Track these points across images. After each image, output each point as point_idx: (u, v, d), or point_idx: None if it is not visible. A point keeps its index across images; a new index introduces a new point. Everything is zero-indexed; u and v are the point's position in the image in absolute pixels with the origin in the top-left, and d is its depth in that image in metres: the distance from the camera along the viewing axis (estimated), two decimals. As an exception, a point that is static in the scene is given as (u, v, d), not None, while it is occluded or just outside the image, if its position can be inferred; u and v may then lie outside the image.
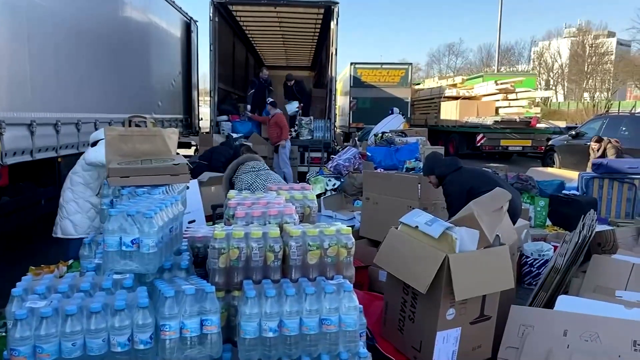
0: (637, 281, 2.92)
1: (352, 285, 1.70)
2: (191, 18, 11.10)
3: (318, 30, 12.43)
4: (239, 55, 13.86)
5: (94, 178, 3.44)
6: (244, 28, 13.05)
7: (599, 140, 9.10)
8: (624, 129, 10.32)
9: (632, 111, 18.80)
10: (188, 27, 10.97)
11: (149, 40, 8.46)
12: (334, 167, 7.55)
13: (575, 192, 6.21)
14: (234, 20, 11.99)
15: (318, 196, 6.45)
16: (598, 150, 8.97)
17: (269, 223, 1.91)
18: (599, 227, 4.05)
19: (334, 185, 6.68)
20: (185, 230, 2.32)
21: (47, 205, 5.44)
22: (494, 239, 2.38)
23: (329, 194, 6.54)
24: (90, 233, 2.70)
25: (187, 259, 1.90)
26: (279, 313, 1.58)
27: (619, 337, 2.35)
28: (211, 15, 9.92)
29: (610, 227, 4.42)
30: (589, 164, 7.95)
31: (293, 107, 10.89)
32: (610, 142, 8.91)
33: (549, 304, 2.93)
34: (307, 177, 7.13)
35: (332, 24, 10.07)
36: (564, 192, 6.07)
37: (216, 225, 1.84)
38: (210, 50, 10.04)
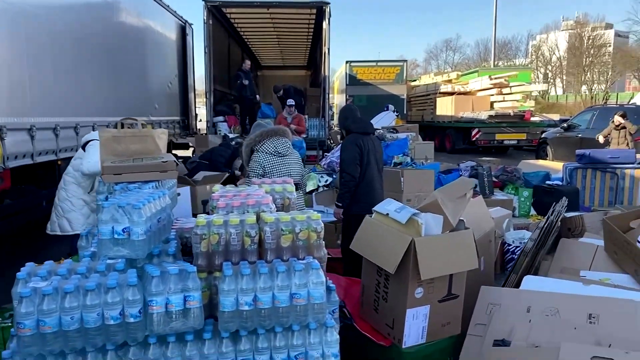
0: (600, 262, 3.12)
1: (319, 264, 1.91)
2: (186, 21, 11.31)
3: (312, 30, 12.62)
4: (235, 57, 14.05)
5: (85, 178, 3.68)
6: (239, 30, 13.25)
7: (624, 116, 9.12)
8: (611, 119, 10.49)
9: (626, 103, 18.97)
10: (183, 30, 11.18)
11: (145, 44, 8.67)
12: (327, 164, 7.77)
13: (558, 182, 6.40)
14: (228, 22, 12.19)
15: (310, 192, 6.66)
16: (620, 126, 9.01)
17: (248, 212, 2.12)
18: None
19: (326, 181, 6.88)
20: (175, 222, 2.53)
21: (48, 207, 5.63)
22: (457, 223, 2.58)
23: (321, 189, 6.75)
24: (87, 228, 2.91)
25: (174, 246, 2.10)
26: (254, 289, 1.78)
27: (576, 311, 2.55)
28: (205, 18, 10.13)
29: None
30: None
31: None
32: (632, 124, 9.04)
33: (519, 285, 3.13)
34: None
35: (324, 24, 10.28)
36: (547, 182, 6.26)
37: (199, 215, 2.04)
38: (205, 52, 10.26)
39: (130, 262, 1.93)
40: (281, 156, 4.03)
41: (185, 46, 11.32)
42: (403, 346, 2.53)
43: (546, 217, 3.30)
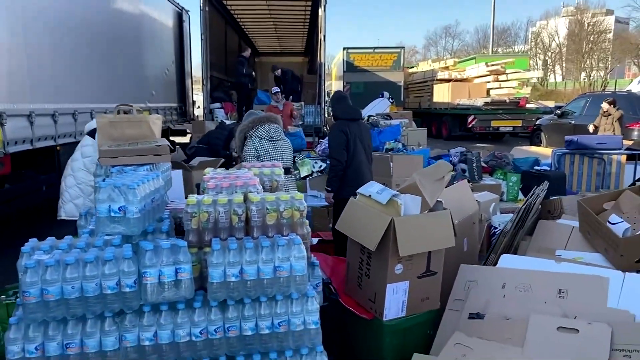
0: (575, 241, 3.28)
1: (301, 240, 2.06)
2: (183, 8, 11.35)
3: (308, 17, 12.67)
4: (231, 44, 14.10)
5: (94, 163, 3.78)
6: (235, 17, 13.29)
7: (613, 103, 9.32)
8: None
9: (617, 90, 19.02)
10: (180, 17, 11.22)
11: (141, 31, 8.75)
12: (322, 151, 7.90)
13: (547, 167, 6.54)
14: (225, 9, 12.23)
15: (304, 178, 6.82)
16: (606, 113, 9.23)
17: (236, 192, 2.26)
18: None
19: (320, 167, 7.03)
20: (169, 203, 2.68)
21: (47, 192, 5.80)
22: (435, 204, 2.73)
23: (315, 175, 6.90)
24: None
25: (167, 225, 2.25)
26: (240, 262, 1.93)
27: (547, 286, 2.71)
28: (202, 5, 10.20)
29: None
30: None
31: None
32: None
33: (498, 263, 3.29)
34: (295, 160, 7.48)
35: (320, 11, 10.34)
36: (535, 168, 6.41)
37: (190, 195, 2.18)
38: (201, 39, 10.33)
39: (126, 238, 2.07)
40: (274, 140, 4.17)
41: (182, 33, 11.38)
42: (384, 319, 2.70)
43: (525, 199, 3.45)
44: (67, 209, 3.80)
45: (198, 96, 13.64)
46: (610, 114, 9.06)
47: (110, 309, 1.83)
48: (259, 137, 4.12)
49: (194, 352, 1.92)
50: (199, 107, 13.43)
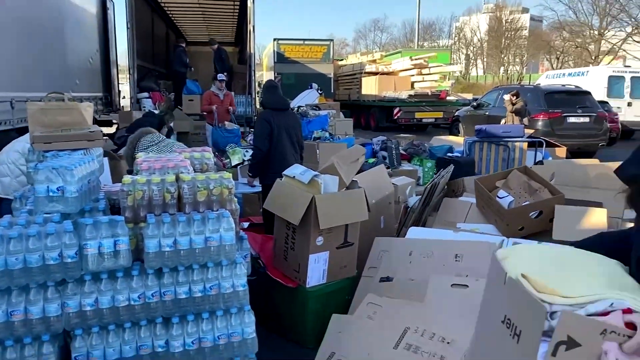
0: (473, 215, 3.77)
1: (229, 214, 2.32)
2: (106, -5, 11.04)
3: (237, 6, 12.70)
4: (159, 32, 13.84)
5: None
6: (163, 5, 13.06)
7: (517, 95, 10.32)
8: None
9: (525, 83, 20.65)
10: (104, 4, 10.91)
11: (63, 17, 8.47)
12: (252, 140, 8.09)
13: (459, 154, 7.17)
14: None
15: (236, 166, 7.01)
16: (512, 104, 10.22)
17: (168, 173, 2.47)
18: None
19: (251, 155, 7.23)
20: (103, 186, 2.83)
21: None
22: (351, 183, 3.09)
23: (246, 163, 7.10)
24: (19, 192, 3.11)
25: (103, 204, 2.42)
26: (174, 234, 2.16)
27: (446, 252, 3.15)
28: (127, -8, 9.98)
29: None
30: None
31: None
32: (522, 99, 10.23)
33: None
34: (226, 148, 7.63)
35: (249, 2, 10.45)
36: (448, 154, 7.00)
37: (125, 175, 2.36)
38: (127, 27, 10.13)
39: (65, 216, 2.23)
40: (159, 142, 4.09)
41: (107, 21, 11.07)
42: (307, 286, 3.02)
43: (431, 180, 3.90)
44: None
45: (124, 86, 13.30)
46: (513, 104, 10.03)
47: (52, 278, 2.00)
48: (146, 148, 3.84)
49: (132, 315, 2.13)
50: (124, 97, 13.10)
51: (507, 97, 10.29)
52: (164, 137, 3.88)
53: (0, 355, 1.93)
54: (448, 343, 2.47)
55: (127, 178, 2.28)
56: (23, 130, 6.37)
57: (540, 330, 1.06)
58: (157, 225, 2.15)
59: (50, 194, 2.15)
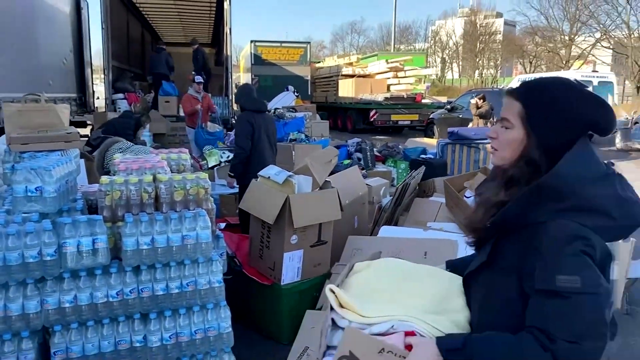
0: (442, 215, 3.93)
1: (206, 213, 2.40)
2: (81, -6, 10.93)
3: (214, 8, 12.71)
4: (134, 32, 13.74)
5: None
6: (138, 5, 12.98)
7: (483, 98, 10.62)
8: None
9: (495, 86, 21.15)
10: (78, 4, 10.80)
11: (35, 17, 8.37)
12: (230, 142, 8.15)
13: (431, 156, 7.37)
14: None
15: (212, 167, 7.06)
16: (478, 107, 10.53)
17: (145, 174, 2.54)
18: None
19: (227, 157, 7.29)
20: (80, 187, 2.88)
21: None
22: (324, 183, 3.20)
23: (223, 164, 7.16)
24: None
25: (81, 204, 2.47)
26: (151, 232, 2.23)
27: (415, 250, 3.28)
28: (101, -8, 9.91)
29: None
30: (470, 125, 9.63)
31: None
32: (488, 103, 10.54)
33: (380, 235, 3.85)
34: (203, 150, 7.68)
35: (225, 4, 10.50)
36: (422, 156, 7.19)
37: (103, 176, 2.42)
38: (102, 28, 10.06)
39: (43, 216, 2.27)
40: (127, 148, 4.12)
41: (81, 20, 10.96)
42: (282, 283, 3.12)
43: (402, 180, 4.04)
44: None
45: (98, 86, 13.15)
46: (478, 108, 10.35)
47: (32, 276, 2.05)
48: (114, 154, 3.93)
49: (110, 311, 2.19)
50: (98, 97, 12.96)
51: (473, 100, 10.60)
52: (132, 143, 3.88)
53: (-20, 351, 1.98)
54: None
55: (104, 178, 2.34)
56: (-5, 131, 6.33)
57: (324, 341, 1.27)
58: (135, 224, 2.22)
59: (29, 194, 2.20)
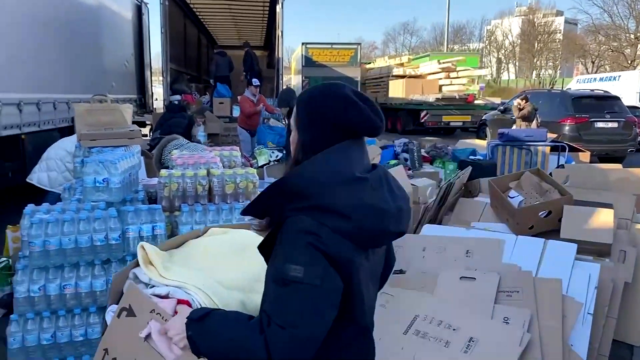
0: (487, 215, 3.92)
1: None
2: (142, 1, 11.52)
3: (267, 12, 13.03)
4: (191, 36, 14.31)
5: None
6: (195, 10, 13.51)
7: (526, 99, 10.33)
8: (540, 102, 11.55)
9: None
10: (139, 10, 11.39)
11: (101, 23, 8.94)
12: (278, 142, 8.38)
13: (481, 157, 7.27)
14: (184, 2, 12.46)
15: (262, 166, 7.30)
16: (520, 109, 10.23)
17: (200, 168, 2.74)
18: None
19: (277, 156, 7.51)
20: (141, 180, 3.13)
21: (13, 177, 6.04)
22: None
23: (272, 164, 7.38)
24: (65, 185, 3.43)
25: (142, 194, 2.71)
26: (205, 221, 2.42)
27: (458, 248, 3.31)
28: (161, -2, 10.43)
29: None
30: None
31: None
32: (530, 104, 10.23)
33: (423, 233, 3.90)
34: (253, 150, 7.93)
35: (278, 8, 10.75)
36: (471, 157, 7.12)
37: (162, 169, 2.64)
38: (161, 32, 10.55)
39: (109, 205, 2.51)
40: (183, 145, 4.39)
41: (142, 25, 11.55)
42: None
43: (447, 180, 4.07)
44: (40, 178, 4.14)
45: (157, 88, 13.79)
46: (520, 110, 10.05)
47: (99, 257, 2.28)
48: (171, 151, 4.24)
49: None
50: (157, 99, 13.59)
51: (515, 102, 10.29)
52: (188, 141, 4.21)
53: (55, 323, 2.22)
54: (454, 330, 2.65)
55: (164, 172, 2.56)
56: (63, 130, 6.84)
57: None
58: (190, 214, 2.42)
59: (97, 184, 2.44)
